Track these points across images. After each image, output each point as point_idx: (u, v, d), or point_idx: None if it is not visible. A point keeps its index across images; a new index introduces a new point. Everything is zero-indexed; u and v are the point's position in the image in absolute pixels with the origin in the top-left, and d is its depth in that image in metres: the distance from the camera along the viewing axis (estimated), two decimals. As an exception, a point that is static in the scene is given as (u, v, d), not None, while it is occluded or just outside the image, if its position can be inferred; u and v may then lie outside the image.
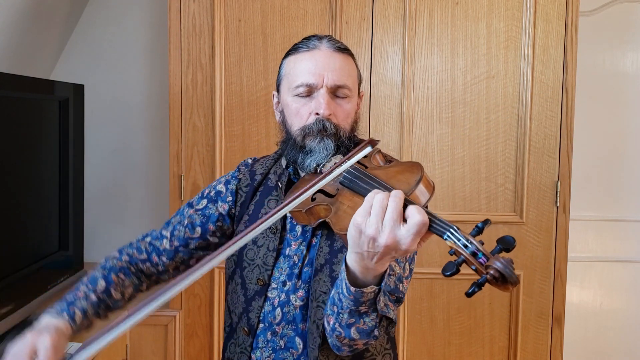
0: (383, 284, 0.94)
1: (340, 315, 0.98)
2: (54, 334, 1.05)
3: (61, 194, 1.91)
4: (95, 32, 2.56)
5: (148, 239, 1.30)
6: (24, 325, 1.74)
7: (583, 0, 2.30)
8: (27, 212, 1.75)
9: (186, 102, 2.05)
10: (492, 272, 0.79)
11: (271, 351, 1.14)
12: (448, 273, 0.83)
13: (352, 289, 0.93)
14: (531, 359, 2.10)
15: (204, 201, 1.27)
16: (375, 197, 0.88)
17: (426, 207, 0.93)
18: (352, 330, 0.98)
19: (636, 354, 2.76)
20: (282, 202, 1.05)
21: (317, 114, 1.13)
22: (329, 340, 1.05)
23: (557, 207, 2.05)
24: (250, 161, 1.32)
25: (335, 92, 1.15)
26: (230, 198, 1.25)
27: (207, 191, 1.29)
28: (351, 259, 0.93)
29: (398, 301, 1.08)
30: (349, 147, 1.16)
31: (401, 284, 1.09)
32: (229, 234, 1.26)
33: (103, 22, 2.56)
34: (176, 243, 1.25)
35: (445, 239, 0.85)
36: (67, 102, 1.90)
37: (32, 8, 2.07)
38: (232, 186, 1.27)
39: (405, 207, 0.87)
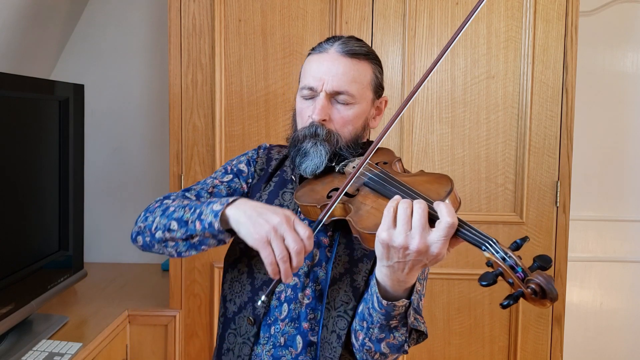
0: (413, 296, 0.95)
1: (371, 330, 0.99)
2: (281, 207, 1.05)
3: (61, 194, 1.91)
4: (95, 32, 2.57)
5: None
6: (24, 325, 1.74)
7: (583, 0, 2.31)
8: (27, 212, 1.75)
9: (186, 102, 2.05)
10: (533, 286, 0.79)
11: (271, 346, 1.14)
12: (485, 283, 0.82)
13: (384, 302, 0.94)
14: (531, 359, 2.10)
15: (230, 175, 1.27)
16: (399, 208, 0.88)
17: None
18: (382, 345, 1.00)
19: (636, 353, 2.76)
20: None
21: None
22: (358, 356, 1.06)
23: (557, 207, 2.05)
24: (268, 145, 1.33)
25: (336, 97, 1.14)
26: (250, 180, 1.26)
27: (229, 167, 1.28)
28: (382, 273, 0.93)
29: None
30: (351, 154, 1.16)
31: (421, 302, 1.11)
32: None
33: (103, 22, 2.56)
34: None
35: (484, 250, 0.85)
36: (67, 102, 1.90)
37: (32, 8, 2.07)
38: (252, 168, 1.28)
39: (429, 214, 0.88)
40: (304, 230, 0.98)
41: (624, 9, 2.62)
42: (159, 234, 1.12)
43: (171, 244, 1.11)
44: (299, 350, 1.12)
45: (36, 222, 1.80)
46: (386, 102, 1.24)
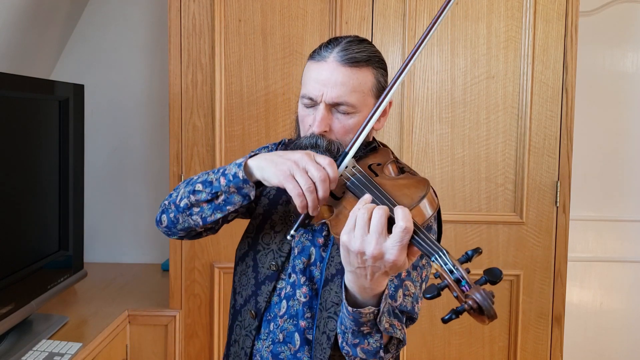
0: (382, 306, 0.95)
1: (346, 334, 1.00)
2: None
3: (61, 194, 1.91)
4: (95, 32, 2.57)
5: None
6: (24, 325, 1.74)
7: (583, 0, 2.30)
8: (27, 212, 1.75)
9: (186, 102, 2.05)
10: (470, 302, 0.79)
11: (270, 342, 1.16)
12: (428, 296, 0.83)
13: (350, 309, 0.94)
14: (531, 359, 2.10)
15: None
16: (358, 213, 0.88)
17: (425, 226, 0.92)
18: (358, 350, 1.00)
19: (636, 354, 2.76)
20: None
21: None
22: (345, 357, 1.07)
23: (557, 207, 2.05)
24: (287, 140, 1.33)
25: (336, 107, 1.12)
26: None
27: None
28: (348, 279, 0.94)
29: (411, 320, 1.09)
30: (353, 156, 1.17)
31: (417, 304, 1.10)
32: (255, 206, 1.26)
33: (103, 22, 2.56)
34: None
35: (433, 261, 0.84)
36: (67, 102, 1.90)
37: (32, 8, 2.07)
38: None
39: (390, 221, 0.87)
40: (324, 159, 1.02)
41: (624, 9, 2.62)
42: (184, 202, 1.14)
43: (196, 210, 1.13)
44: (297, 347, 1.14)
45: (36, 222, 1.80)
46: (390, 103, 1.23)
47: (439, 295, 0.82)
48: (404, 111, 2.04)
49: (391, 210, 0.88)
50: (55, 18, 2.34)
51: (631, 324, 2.75)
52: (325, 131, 1.12)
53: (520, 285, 2.08)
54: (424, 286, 1.14)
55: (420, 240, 0.86)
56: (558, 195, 2.05)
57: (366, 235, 0.86)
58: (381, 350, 0.99)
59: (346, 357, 1.05)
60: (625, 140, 2.68)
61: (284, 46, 2.03)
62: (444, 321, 0.80)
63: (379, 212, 0.87)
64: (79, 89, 1.98)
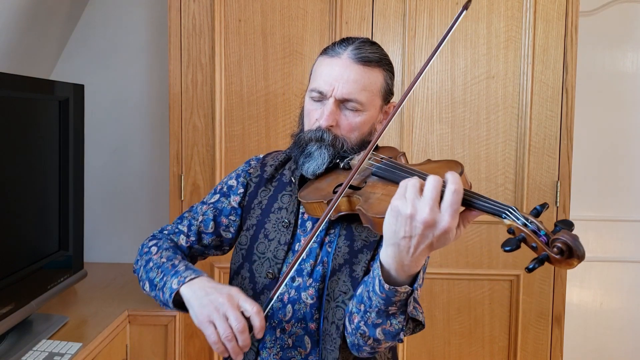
0: (416, 284, 0.94)
1: (368, 313, 0.98)
2: (230, 287, 1.07)
3: (61, 194, 1.91)
4: (95, 32, 2.57)
5: (165, 233, 1.31)
6: (24, 325, 1.74)
7: (583, 0, 2.31)
8: (27, 212, 1.75)
9: (186, 102, 2.05)
10: (559, 244, 0.79)
11: (279, 349, 1.15)
12: (508, 248, 0.82)
13: (386, 286, 0.92)
14: (531, 359, 2.10)
15: (217, 196, 1.30)
16: (408, 182, 0.87)
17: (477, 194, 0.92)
18: (378, 330, 0.98)
19: (636, 354, 2.76)
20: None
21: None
22: (349, 340, 1.05)
23: (557, 207, 2.05)
24: (261, 156, 1.35)
25: (344, 103, 1.14)
26: (241, 190, 1.28)
27: (219, 187, 1.32)
28: (386, 254, 0.91)
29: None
30: (356, 153, 1.17)
31: (416, 291, 1.10)
32: (239, 226, 1.27)
33: (103, 22, 2.56)
34: (192, 238, 1.28)
35: (504, 218, 0.85)
36: (67, 102, 1.90)
37: (32, 8, 2.07)
38: (242, 179, 1.29)
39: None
40: (251, 306, 1.00)
41: (624, 9, 2.62)
42: (142, 283, 1.22)
43: (152, 294, 1.20)
44: (309, 350, 1.13)
45: (36, 222, 1.80)
46: (392, 105, 1.24)
47: (518, 247, 0.83)
48: (404, 111, 2.04)
49: (443, 184, 0.86)
50: (55, 18, 2.34)
51: (631, 324, 2.75)
52: (331, 125, 1.14)
53: (520, 285, 2.08)
54: (421, 276, 1.13)
55: (483, 203, 0.87)
56: (558, 195, 2.05)
57: (418, 200, 0.85)
58: (401, 332, 0.97)
59: (356, 338, 1.02)
60: (625, 141, 2.68)
61: (284, 46, 2.03)
62: (529, 270, 0.81)
63: (435, 179, 0.85)
64: (79, 89, 1.98)
